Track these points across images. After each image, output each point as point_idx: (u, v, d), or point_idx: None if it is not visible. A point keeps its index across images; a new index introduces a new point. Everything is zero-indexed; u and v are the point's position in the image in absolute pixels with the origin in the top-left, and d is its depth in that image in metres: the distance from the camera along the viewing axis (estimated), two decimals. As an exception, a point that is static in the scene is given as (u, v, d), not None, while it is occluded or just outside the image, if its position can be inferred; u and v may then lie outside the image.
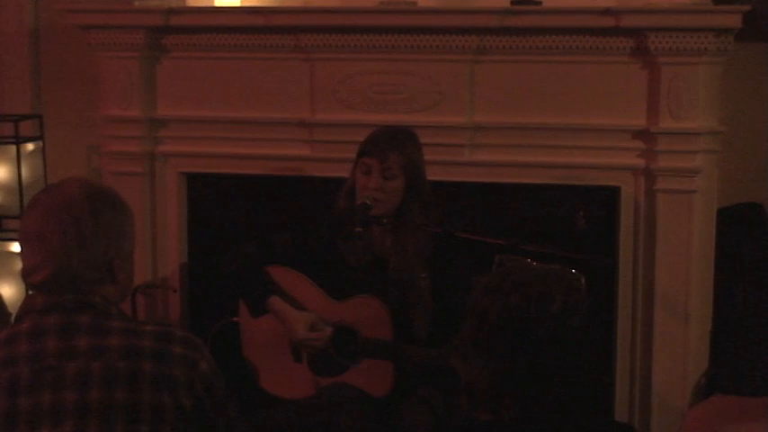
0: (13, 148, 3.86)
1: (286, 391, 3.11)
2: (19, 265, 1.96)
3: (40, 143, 4.02)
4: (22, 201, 3.82)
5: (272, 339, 3.10)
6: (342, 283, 3.10)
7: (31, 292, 1.97)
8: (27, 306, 1.92)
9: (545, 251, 2.95)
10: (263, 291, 3.05)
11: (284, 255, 3.15)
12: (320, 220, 3.20)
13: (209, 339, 3.47)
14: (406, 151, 3.07)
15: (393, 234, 3.11)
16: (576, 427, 1.85)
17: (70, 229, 1.89)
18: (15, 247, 3.91)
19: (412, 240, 3.08)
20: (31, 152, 4.00)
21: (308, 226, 3.21)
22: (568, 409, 1.82)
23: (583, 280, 1.98)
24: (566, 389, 1.82)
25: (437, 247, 3.10)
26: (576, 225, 3.65)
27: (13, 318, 1.97)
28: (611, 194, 3.60)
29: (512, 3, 3.51)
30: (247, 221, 3.89)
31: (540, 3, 3.51)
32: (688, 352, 3.51)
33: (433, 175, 3.36)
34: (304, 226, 3.22)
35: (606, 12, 3.39)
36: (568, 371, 1.82)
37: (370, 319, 3.01)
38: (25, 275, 1.94)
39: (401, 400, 2.99)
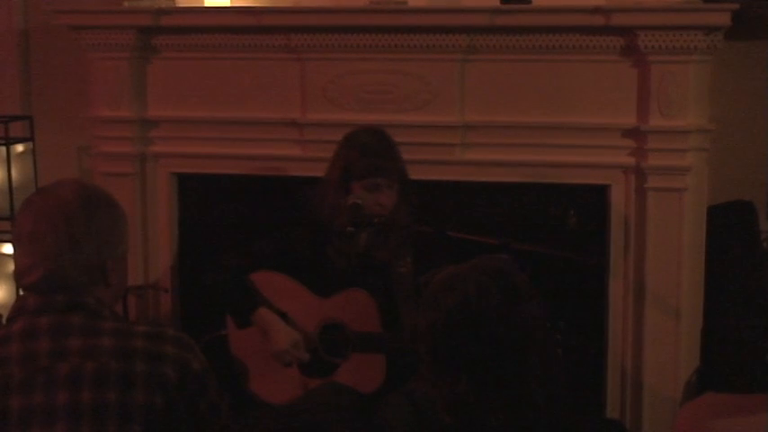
0: (3, 149, 3.85)
1: (275, 394, 3.10)
2: (10, 266, 1.95)
3: (31, 144, 4.00)
4: (12, 202, 3.81)
5: (262, 342, 3.09)
6: (328, 283, 3.10)
7: (22, 293, 1.97)
8: (19, 307, 1.91)
9: (536, 249, 2.95)
10: (247, 304, 3.05)
11: (268, 262, 3.15)
12: (302, 222, 3.20)
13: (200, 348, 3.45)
14: (398, 157, 3.12)
15: (381, 233, 3.11)
16: (565, 424, 1.79)
17: (63, 230, 1.89)
18: (6, 248, 3.90)
19: (399, 236, 3.11)
20: (21, 153, 3.98)
21: (292, 230, 3.21)
22: (552, 401, 1.75)
23: (512, 260, 1.85)
24: (542, 376, 1.73)
25: (426, 245, 3.11)
26: (567, 223, 3.66)
27: (4, 319, 1.96)
28: (602, 193, 3.61)
29: (502, 2, 3.52)
30: (238, 222, 3.89)
31: (530, 2, 3.51)
32: (679, 349, 3.51)
33: (424, 174, 3.37)
34: (287, 230, 3.22)
35: (596, 10, 3.40)
36: (541, 357, 1.73)
37: (359, 312, 3.02)
38: (18, 277, 1.94)
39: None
